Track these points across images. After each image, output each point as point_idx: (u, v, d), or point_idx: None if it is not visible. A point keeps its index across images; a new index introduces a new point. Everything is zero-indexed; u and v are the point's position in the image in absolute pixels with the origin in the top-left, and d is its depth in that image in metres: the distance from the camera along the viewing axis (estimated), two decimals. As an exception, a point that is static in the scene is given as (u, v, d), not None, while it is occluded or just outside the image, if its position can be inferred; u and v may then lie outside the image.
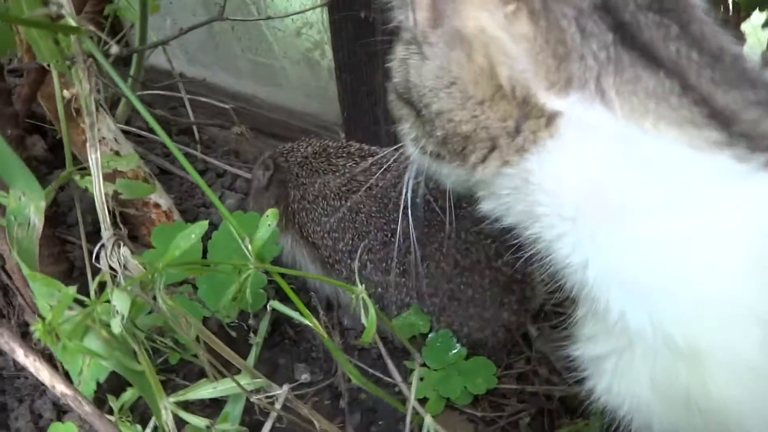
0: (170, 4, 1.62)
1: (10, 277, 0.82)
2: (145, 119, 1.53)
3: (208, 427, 0.58)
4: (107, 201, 0.56)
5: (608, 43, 0.48)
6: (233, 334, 0.72)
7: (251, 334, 0.78)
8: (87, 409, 0.55)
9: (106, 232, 0.56)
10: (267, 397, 0.65)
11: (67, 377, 0.71)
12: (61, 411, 0.80)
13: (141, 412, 0.81)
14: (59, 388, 0.55)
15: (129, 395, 0.61)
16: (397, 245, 0.89)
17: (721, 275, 0.46)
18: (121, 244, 0.55)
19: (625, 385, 0.55)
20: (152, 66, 1.60)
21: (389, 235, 0.94)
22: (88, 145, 0.56)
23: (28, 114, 0.85)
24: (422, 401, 0.94)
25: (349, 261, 0.97)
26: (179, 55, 1.73)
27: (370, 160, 1.02)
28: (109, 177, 0.85)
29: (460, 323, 0.95)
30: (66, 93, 0.64)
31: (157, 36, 1.53)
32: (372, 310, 0.65)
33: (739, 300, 0.46)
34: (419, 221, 0.85)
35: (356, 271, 0.68)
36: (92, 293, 0.54)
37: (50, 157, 1.12)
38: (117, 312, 0.49)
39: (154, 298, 0.56)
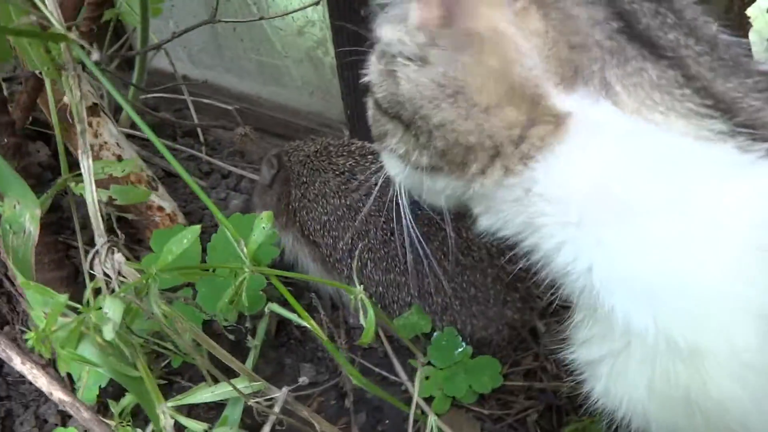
0: (172, 8, 1.62)
1: (12, 284, 0.82)
2: (150, 124, 1.54)
3: (206, 431, 0.58)
4: (101, 207, 0.56)
5: (613, 32, 0.46)
6: (231, 337, 0.72)
7: (249, 337, 0.78)
8: (85, 415, 0.55)
9: (100, 238, 0.56)
10: (267, 400, 0.64)
11: (72, 382, 0.71)
12: (65, 416, 0.80)
13: (144, 416, 0.81)
14: (57, 394, 0.55)
15: (128, 400, 0.61)
16: (398, 244, 0.89)
17: (723, 270, 0.45)
18: (115, 251, 0.55)
19: (622, 388, 0.54)
20: (156, 69, 1.60)
21: (389, 233, 0.93)
22: (80, 152, 0.56)
23: (27, 121, 0.85)
24: (429, 400, 0.93)
25: (349, 260, 0.97)
26: (182, 57, 1.73)
27: (370, 158, 1.02)
28: (108, 182, 0.86)
29: (464, 322, 0.94)
30: (66, 99, 0.64)
31: (160, 39, 1.54)
32: (371, 311, 0.64)
33: (740, 294, 0.45)
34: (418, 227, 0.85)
35: (354, 271, 0.67)
36: (85, 300, 0.54)
37: (54, 163, 1.13)
38: (109, 319, 0.49)
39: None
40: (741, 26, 0.97)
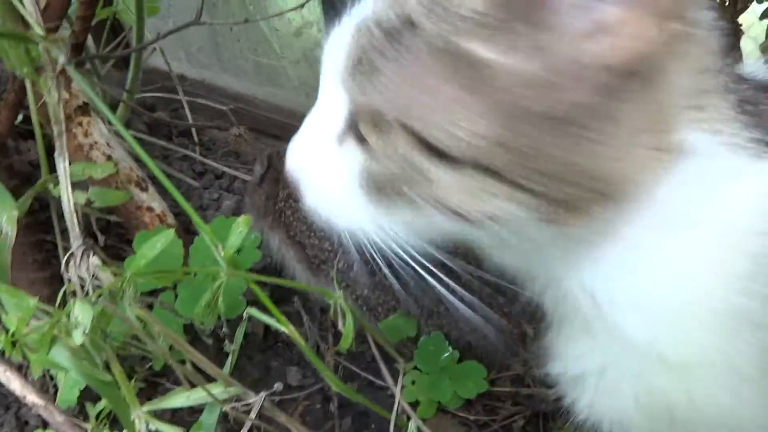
0: (170, 7, 1.62)
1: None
2: (145, 123, 1.53)
3: (181, 436, 0.58)
4: (78, 209, 0.55)
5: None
6: (210, 341, 0.72)
7: (226, 342, 0.78)
8: (59, 419, 0.55)
9: (75, 241, 0.56)
10: (245, 405, 0.64)
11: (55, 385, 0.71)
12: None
13: (126, 418, 0.81)
14: (30, 398, 0.55)
15: (105, 403, 0.61)
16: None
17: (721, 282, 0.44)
18: (91, 254, 0.55)
19: (607, 401, 0.53)
20: (153, 68, 1.60)
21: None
22: (56, 154, 0.56)
23: (14, 120, 0.85)
24: (416, 405, 0.93)
25: (335, 261, 0.97)
26: (180, 57, 1.73)
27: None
28: (99, 183, 0.86)
29: (449, 325, 0.94)
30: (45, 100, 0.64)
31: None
32: (349, 317, 0.64)
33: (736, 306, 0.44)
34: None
35: (335, 274, 0.67)
36: (58, 303, 0.54)
37: (47, 160, 1.13)
38: (79, 323, 0.49)
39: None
40: (735, 33, 0.96)
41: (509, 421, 0.98)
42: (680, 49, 0.40)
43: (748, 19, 0.98)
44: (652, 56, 0.39)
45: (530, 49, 0.38)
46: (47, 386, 0.75)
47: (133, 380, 0.73)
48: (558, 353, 0.56)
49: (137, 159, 1.20)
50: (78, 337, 0.49)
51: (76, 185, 0.72)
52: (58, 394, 0.70)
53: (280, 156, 1.10)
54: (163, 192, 1.17)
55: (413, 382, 0.94)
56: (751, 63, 0.58)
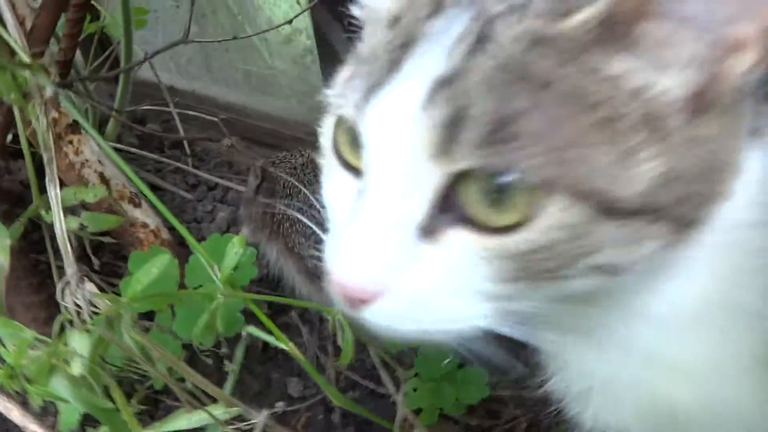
0: (158, 18, 1.61)
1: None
2: (136, 135, 1.53)
3: (183, 458, 0.57)
4: (70, 235, 0.55)
5: None
6: (210, 362, 0.72)
7: (226, 362, 0.77)
8: (60, 447, 0.55)
9: (69, 269, 0.55)
10: (247, 424, 0.64)
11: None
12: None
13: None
14: (32, 427, 0.54)
15: (105, 430, 0.61)
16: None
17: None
18: (86, 280, 0.55)
19: (613, 410, 0.53)
20: (143, 80, 1.60)
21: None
22: (47, 180, 0.56)
23: (4, 141, 0.84)
24: (418, 412, 0.93)
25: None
26: (170, 68, 1.72)
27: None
28: (91, 206, 0.85)
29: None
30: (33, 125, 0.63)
31: (147, 50, 1.53)
32: (348, 332, 0.64)
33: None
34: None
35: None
36: (55, 332, 0.54)
37: (36, 180, 1.12)
38: (78, 354, 0.49)
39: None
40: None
41: (511, 424, 0.98)
42: None
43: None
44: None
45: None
46: (48, 410, 0.75)
47: (133, 399, 0.72)
48: (562, 369, 0.56)
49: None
50: (77, 368, 0.48)
51: (69, 207, 0.72)
52: (59, 417, 0.69)
53: (275, 165, 1.10)
54: (155, 206, 1.17)
55: (415, 390, 0.94)
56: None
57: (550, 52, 0.36)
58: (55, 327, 0.53)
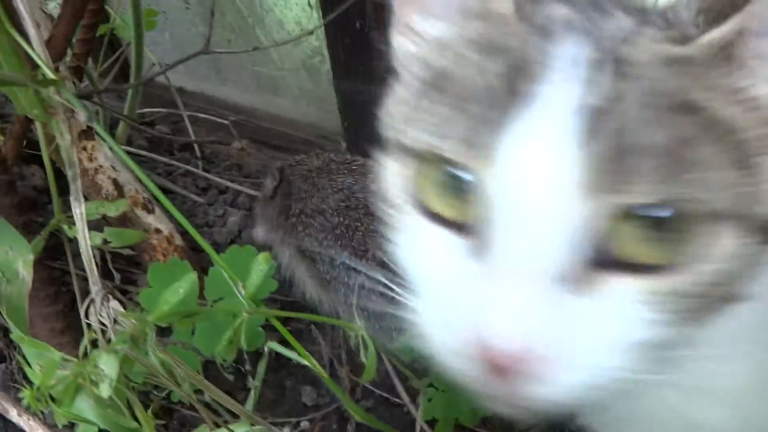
0: (167, 20, 1.60)
1: (10, 319, 0.81)
2: (146, 138, 1.52)
3: (207, 477, 0.57)
4: (94, 253, 0.55)
5: None
6: (231, 378, 0.71)
7: (249, 378, 0.77)
8: (84, 466, 0.54)
9: (95, 286, 0.55)
10: (269, 439, 0.64)
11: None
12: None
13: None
14: (55, 445, 0.54)
15: (127, 447, 0.60)
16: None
17: None
18: (110, 298, 0.54)
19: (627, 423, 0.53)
20: (153, 82, 1.59)
21: (389, 255, 0.92)
22: (71, 198, 0.55)
23: (19, 150, 0.84)
24: (432, 423, 0.93)
25: (346, 278, 0.96)
26: (178, 69, 1.71)
27: (371, 177, 1.01)
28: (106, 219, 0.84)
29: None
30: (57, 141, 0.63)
31: (155, 52, 1.52)
32: (371, 348, 0.64)
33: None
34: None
35: (355, 309, 0.66)
36: (81, 351, 0.54)
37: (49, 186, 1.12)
38: (106, 375, 0.48)
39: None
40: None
41: (526, 434, 0.98)
42: None
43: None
44: None
45: None
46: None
47: (149, 411, 0.72)
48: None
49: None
50: (105, 390, 0.48)
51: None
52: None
53: (292, 167, 1.10)
54: (167, 211, 1.16)
55: (429, 400, 0.94)
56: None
57: (688, 76, 0.34)
58: (81, 348, 0.53)
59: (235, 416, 0.67)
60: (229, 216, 1.31)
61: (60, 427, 0.55)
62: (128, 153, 1.29)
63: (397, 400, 0.99)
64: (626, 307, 0.34)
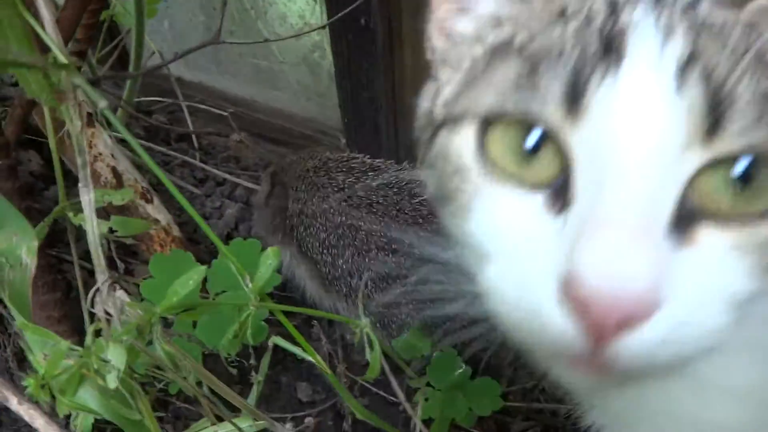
0: (167, 8, 1.59)
1: (5, 306, 0.80)
2: (143, 127, 1.51)
3: (208, 471, 0.56)
4: (101, 243, 0.54)
5: None
6: (234, 371, 0.71)
7: (253, 373, 0.76)
8: (84, 457, 0.53)
9: (101, 275, 0.54)
10: (269, 434, 0.63)
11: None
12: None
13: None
14: (55, 435, 0.53)
15: (128, 437, 0.60)
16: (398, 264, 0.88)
17: None
18: (116, 287, 0.54)
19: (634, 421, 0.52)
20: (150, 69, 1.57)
21: (389, 253, 0.92)
22: (80, 185, 0.54)
23: (20, 135, 0.82)
24: (427, 422, 0.93)
25: (349, 278, 0.96)
26: (178, 59, 1.70)
27: (371, 175, 1.01)
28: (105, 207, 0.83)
29: (463, 343, 0.93)
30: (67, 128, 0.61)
31: (154, 40, 1.51)
32: (376, 346, 0.63)
33: None
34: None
35: (360, 306, 0.66)
36: (87, 341, 0.53)
37: (46, 171, 1.10)
38: (113, 366, 0.47)
39: (151, 342, 0.54)
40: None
41: (521, 436, 0.98)
42: None
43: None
44: None
45: None
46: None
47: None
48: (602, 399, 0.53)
49: (140, 167, 1.18)
50: (112, 381, 0.47)
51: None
52: (74, 423, 0.68)
53: (284, 170, 1.09)
54: (165, 201, 1.15)
55: (426, 399, 0.94)
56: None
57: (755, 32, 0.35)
58: (89, 338, 0.52)
59: (234, 410, 0.66)
60: (226, 208, 1.30)
61: (61, 417, 0.54)
62: (126, 142, 1.28)
63: (393, 398, 0.99)
64: (720, 259, 0.34)
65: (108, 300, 0.54)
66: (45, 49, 0.58)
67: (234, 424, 0.57)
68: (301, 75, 1.57)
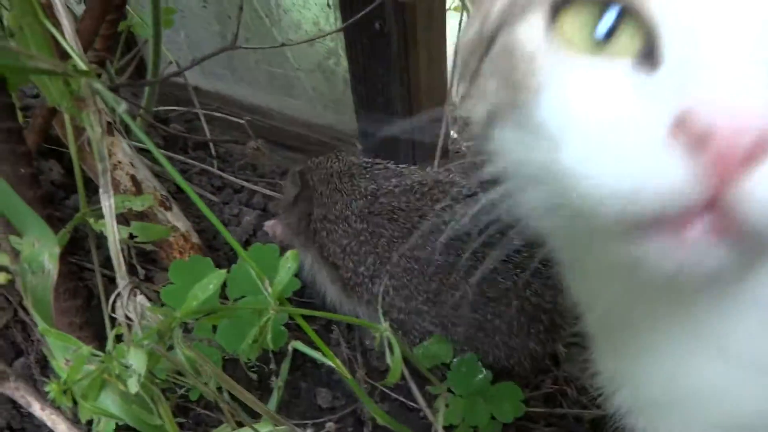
0: (183, 18, 1.60)
1: (27, 313, 0.81)
2: (162, 136, 1.52)
3: (229, 477, 0.56)
4: (122, 249, 0.54)
5: None
6: (254, 377, 0.70)
7: (273, 378, 0.76)
8: (106, 463, 0.53)
9: (122, 280, 0.54)
10: (291, 440, 0.63)
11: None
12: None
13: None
14: (77, 441, 0.53)
15: (149, 443, 0.60)
16: (421, 272, 0.88)
17: None
18: (137, 293, 0.54)
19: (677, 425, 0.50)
20: (169, 80, 1.59)
21: (412, 260, 0.92)
22: (101, 191, 0.55)
23: (41, 144, 0.83)
24: (448, 428, 0.92)
25: (370, 284, 0.96)
26: (195, 68, 1.71)
27: (394, 181, 1.00)
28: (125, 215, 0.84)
29: (486, 352, 0.93)
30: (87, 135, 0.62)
31: (171, 50, 1.52)
32: (397, 350, 0.63)
33: None
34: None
35: (380, 307, 0.66)
36: (109, 346, 0.53)
37: (67, 181, 1.11)
38: (134, 371, 0.47)
39: (171, 347, 0.54)
40: None
41: (544, 442, 0.96)
42: None
43: None
44: None
45: None
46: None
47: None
48: (632, 379, 0.50)
49: (159, 174, 1.19)
50: (133, 386, 0.47)
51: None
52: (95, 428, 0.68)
53: (311, 171, 1.09)
54: (184, 208, 1.16)
55: (447, 406, 0.93)
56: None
57: None
58: (110, 343, 0.52)
59: (255, 415, 0.66)
60: (244, 215, 1.31)
61: (83, 422, 0.54)
62: (144, 151, 1.29)
63: (414, 404, 0.98)
64: None
65: (129, 305, 0.54)
66: (65, 57, 0.59)
67: (255, 430, 0.57)
68: (317, 82, 1.58)
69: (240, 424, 0.61)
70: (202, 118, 1.51)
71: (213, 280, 0.51)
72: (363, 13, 1.11)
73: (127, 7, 1.35)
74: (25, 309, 0.83)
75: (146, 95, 1.35)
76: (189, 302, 0.51)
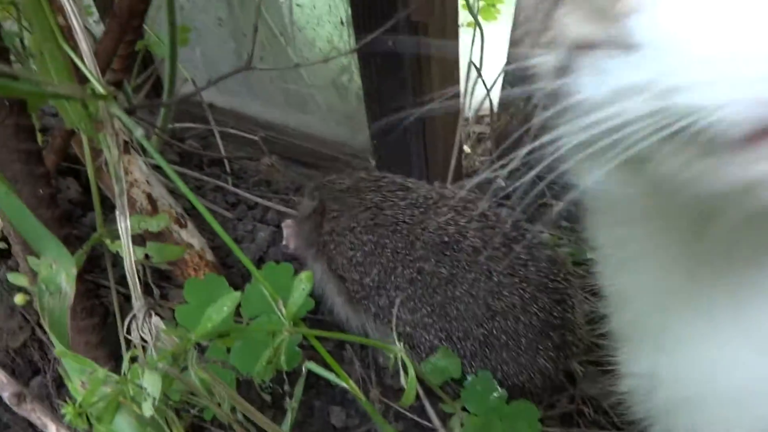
0: (199, 36, 1.62)
1: (45, 332, 0.81)
2: (177, 153, 1.53)
3: (244, 500, 0.56)
4: (138, 270, 0.54)
5: None
6: (268, 398, 0.70)
7: (287, 399, 0.76)
8: (121, 485, 0.53)
9: (137, 302, 0.54)
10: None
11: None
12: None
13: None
14: (92, 463, 0.53)
15: (164, 465, 0.59)
16: (425, 284, 0.88)
17: None
18: (152, 314, 0.54)
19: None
20: (183, 96, 1.61)
21: (416, 272, 0.92)
22: (117, 213, 0.55)
23: (59, 164, 0.84)
24: (462, 447, 0.91)
25: (376, 297, 0.96)
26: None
27: (400, 194, 1.01)
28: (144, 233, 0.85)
29: (494, 368, 0.92)
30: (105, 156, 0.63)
31: (187, 68, 1.54)
32: (411, 371, 0.62)
33: None
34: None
35: (395, 331, 0.65)
36: (124, 368, 0.53)
37: (85, 198, 1.13)
38: (149, 394, 0.47)
39: (186, 368, 0.54)
40: None
41: (560, 463, 0.95)
42: None
43: None
44: None
45: None
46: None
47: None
48: (668, 373, 0.48)
49: (174, 191, 1.20)
50: (148, 409, 0.47)
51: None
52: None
53: (324, 187, 1.10)
54: (199, 225, 1.17)
55: (461, 424, 0.92)
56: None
57: None
58: (125, 365, 0.52)
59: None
60: (258, 232, 1.31)
61: (98, 444, 0.54)
62: (160, 168, 1.30)
63: (428, 423, 0.97)
64: None
65: (144, 327, 0.54)
66: (83, 80, 0.60)
67: (269, 452, 0.57)
68: (330, 98, 1.59)
69: (254, 446, 0.61)
70: (217, 135, 1.52)
71: (227, 302, 0.52)
72: (377, 33, 1.12)
73: (144, 26, 1.38)
74: (42, 328, 0.83)
75: (162, 113, 1.37)
76: (204, 324, 0.51)
